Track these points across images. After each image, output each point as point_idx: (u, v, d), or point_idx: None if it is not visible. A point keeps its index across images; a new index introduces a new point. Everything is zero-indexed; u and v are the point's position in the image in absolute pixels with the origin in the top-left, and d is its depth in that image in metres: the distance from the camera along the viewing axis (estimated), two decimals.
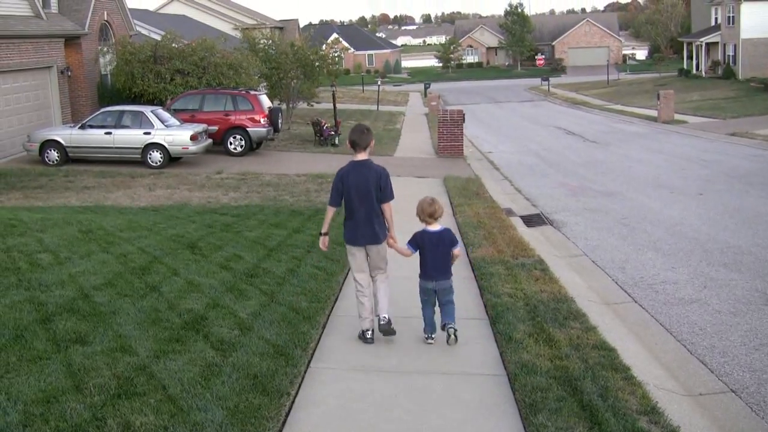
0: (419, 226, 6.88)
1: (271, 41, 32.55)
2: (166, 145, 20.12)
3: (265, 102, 24.02)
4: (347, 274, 8.82)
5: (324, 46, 34.98)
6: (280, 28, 56.92)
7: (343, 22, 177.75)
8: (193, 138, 20.23)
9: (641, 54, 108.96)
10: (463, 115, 23.89)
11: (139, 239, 10.58)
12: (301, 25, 68.33)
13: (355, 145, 6.71)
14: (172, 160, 20.50)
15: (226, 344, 6.52)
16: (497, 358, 6.64)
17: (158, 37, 29.12)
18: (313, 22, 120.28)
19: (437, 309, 6.95)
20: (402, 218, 9.42)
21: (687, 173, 19.82)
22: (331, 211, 6.83)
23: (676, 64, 72.58)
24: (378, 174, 6.63)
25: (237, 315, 7.28)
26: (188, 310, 7.30)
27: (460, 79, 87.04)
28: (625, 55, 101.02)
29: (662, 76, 65.58)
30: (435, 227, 6.62)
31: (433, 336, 6.91)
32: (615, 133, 31.82)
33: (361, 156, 6.71)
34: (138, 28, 32.26)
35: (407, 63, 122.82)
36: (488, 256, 10.08)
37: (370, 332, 6.86)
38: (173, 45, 26.64)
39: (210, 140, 21.72)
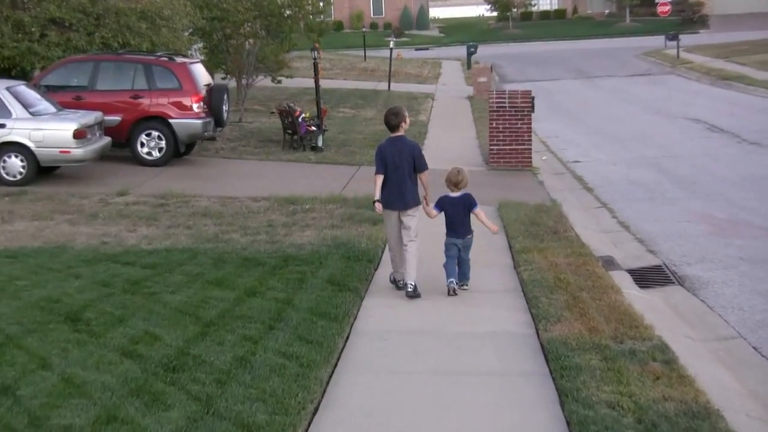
0: None
1: None
2: (32, 147, 16.43)
3: (201, 76, 19.52)
4: (335, 366, 7.93)
5: None
6: None
7: None
8: (78, 135, 16.41)
9: None
10: (532, 99, 19.85)
11: None
12: None
13: (389, 127, 9.55)
14: (42, 171, 17.00)
15: None
16: None
17: None
18: None
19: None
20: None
21: None
22: (379, 179, 9.41)
23: None
24: (411, 148, 9.47)
25: None
26: (64, 428, 6.32)
27: (526, 39, 70.81)
28: None
29: None
30: (456, 194, 9.51)
31: (455, 284, 9.62)
32: None
33: (396, 133, 9.48)
34: None
35: (438, 11, 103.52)
36: (573, 336, 8.37)
37: (402, 282, 9.50)
38: None
39: (108, 139, 17.75)
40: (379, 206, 9.59)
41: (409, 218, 9.51)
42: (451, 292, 9.47)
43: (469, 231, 9.65)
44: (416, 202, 9.53)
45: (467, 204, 9.60)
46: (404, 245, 9.51)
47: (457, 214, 9.62)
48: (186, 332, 8.32)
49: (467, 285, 9.84)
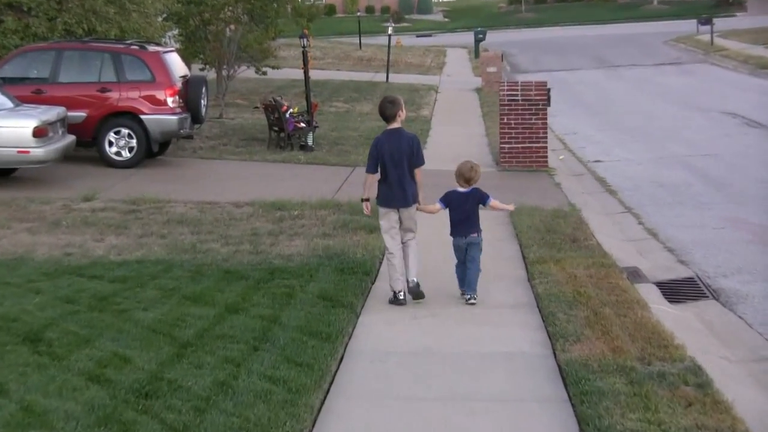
0: None
1: None
2: None
3: (177, 67, 19.23)
4: (328, 391, 7.79)
5: None
6: None
7: None
8: (38, 133, 16.00)
9: None
10: (548, 91, 19.41)
11: None
12: None
13: (384, 118, 9.68)
14: None
15: None
16: None
17: None
18: None
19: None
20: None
21: None
22: (370, 178, 9.54)
23: None
24: (410, 141, 9.52)
25: None
26: None
27: (541, 24, 69.16)
28: None
29: None
30: (465, 189, 9.57)
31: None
32: None
33: (393, 125, 9.53)
34: None
35: None
36: (594, 357, 8.12)
37: (402, 293, 9.43)
38: None
39: (72, 137, 17.32)
40: (367, 206, 9.69)
41: (411, 222, 9.57)
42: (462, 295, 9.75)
43: (474, 229, 9.56)
44: (416, 199, 9.58)
45: (477, 199, 9.50)
46: (404, 242, 9.58)
47: (463, 210, 9.55)
48: (160, 354, 8.10)
49: (475, 299, 9.60)
